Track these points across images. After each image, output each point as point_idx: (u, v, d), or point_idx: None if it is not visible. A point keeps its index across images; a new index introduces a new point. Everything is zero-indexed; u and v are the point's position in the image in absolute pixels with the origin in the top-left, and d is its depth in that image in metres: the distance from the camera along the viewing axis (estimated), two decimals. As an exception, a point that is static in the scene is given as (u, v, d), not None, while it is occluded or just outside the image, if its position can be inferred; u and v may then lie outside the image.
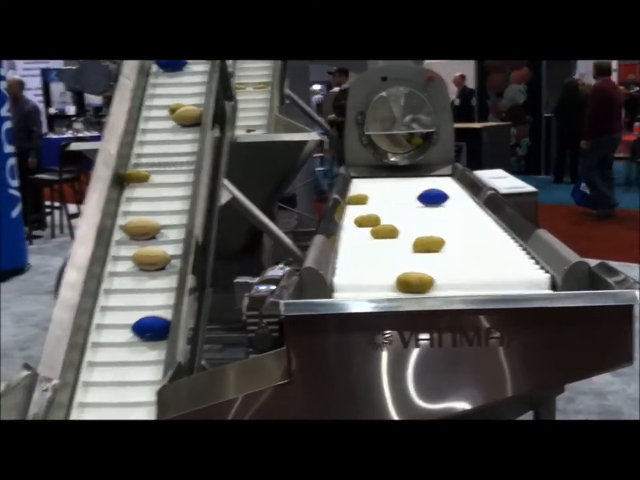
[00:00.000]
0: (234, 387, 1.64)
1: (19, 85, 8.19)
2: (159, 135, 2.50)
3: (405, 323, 1.51)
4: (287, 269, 2.27)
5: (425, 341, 1.52)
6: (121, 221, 2.21)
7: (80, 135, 13.66)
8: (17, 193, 6.57)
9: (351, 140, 4.15)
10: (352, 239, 2.28)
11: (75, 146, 3.58)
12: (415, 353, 1.53)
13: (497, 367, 1.55)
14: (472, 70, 11.78)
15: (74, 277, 2.02)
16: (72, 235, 7.72)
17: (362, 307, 1.52)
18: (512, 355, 1.54)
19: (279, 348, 1.80)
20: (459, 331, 1.51)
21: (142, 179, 2.32)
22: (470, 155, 8.89)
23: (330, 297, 1.72)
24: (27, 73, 16.98)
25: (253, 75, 4.57)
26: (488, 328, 1.51)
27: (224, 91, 2.74)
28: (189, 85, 2.68)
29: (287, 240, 3.04)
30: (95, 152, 2.57)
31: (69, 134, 13.93)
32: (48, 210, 8.37)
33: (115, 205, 2.25)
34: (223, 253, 2.34)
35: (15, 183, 6.52)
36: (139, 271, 2.08)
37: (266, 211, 3.22)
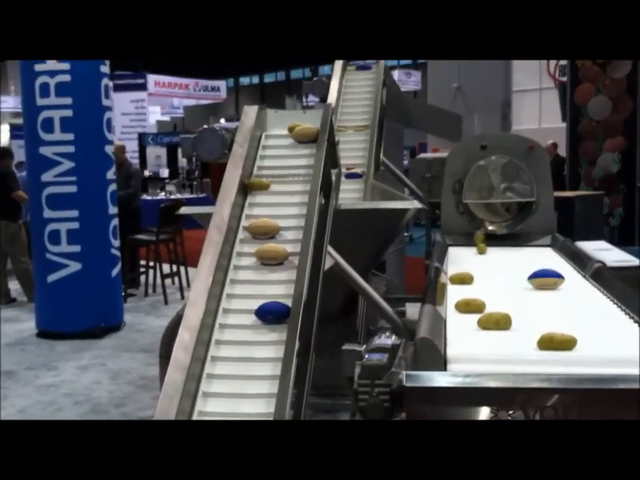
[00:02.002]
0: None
1: (122, 150, 8.58)
2: (279, 151, 2.80)
3: (529, 399, 1.48)
4: (394, 337, 2.27)
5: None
6: (244, 222, 2.47)
7: (172, 196, 14.20)
8: (117, 253, 6.80)
9: (448, 207, 4.15)
10: (457, 329, 2.10)
11: (184, 210, 3.70)
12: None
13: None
14: (564, 137, 11.64)
15: (186, 338, 2.08)
16: (164, 294, 7.92)
17: (487, 381, 1.49)
18: None
19: (388, 418, 1.79)
20: (584, 408, 1.47)
21: (264, 187, 2.60)
22: (562, 225, 8.72)
23: (444, 368, 1.71)
24: (124, 136, 17.86)
25: (353, 119, 4.81)
26: (617, 406, 1.46)
27: (330, 159, 2.80)
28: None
29: (387, 307, 3.03)
30: (204, 216, 2.66)
31: (162, 195, 14.50)
32: (143, 269, 8.62)
33: (239, 209, 2.51)
34: (319, 317, 2.38)
35: (116, 243, 6.75)
36: (260, 265, 2.32)
37: (362, 276, 3.23)
